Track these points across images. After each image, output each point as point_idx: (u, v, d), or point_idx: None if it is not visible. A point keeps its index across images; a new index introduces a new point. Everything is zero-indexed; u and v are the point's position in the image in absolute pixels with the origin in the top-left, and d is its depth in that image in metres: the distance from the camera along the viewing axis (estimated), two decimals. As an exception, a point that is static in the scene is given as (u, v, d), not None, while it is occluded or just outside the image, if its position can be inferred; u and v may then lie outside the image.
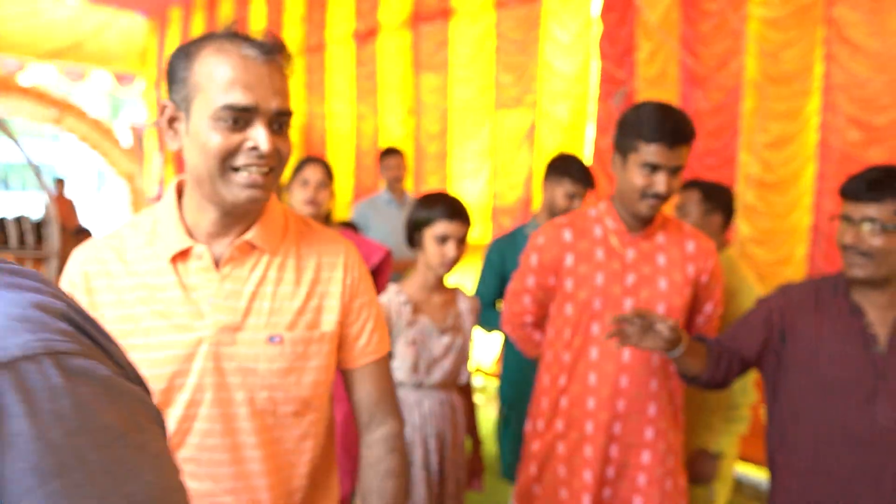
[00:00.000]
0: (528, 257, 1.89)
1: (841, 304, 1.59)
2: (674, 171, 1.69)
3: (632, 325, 1.55)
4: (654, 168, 1.67)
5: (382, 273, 2.44)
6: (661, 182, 1.67)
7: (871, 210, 1.46)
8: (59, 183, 8.59)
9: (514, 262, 2.38)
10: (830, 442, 1.54)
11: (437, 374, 1.99)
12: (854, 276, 1.52)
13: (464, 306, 2.10)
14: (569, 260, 1.81)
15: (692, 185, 2.40)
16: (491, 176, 5.26)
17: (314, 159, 2.59)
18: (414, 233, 2.00)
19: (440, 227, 1.95)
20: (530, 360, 2.09)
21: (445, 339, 1.99)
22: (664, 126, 1.65)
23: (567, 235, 1.83)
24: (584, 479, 1.78)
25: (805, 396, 1.58)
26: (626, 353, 1.75)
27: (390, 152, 4.17)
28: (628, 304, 1.74)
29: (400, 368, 1.98)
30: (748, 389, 2.27)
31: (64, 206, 8.16)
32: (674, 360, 1.64)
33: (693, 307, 1.87)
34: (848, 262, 1.53)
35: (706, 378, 1.70)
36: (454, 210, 1.97)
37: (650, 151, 1.66)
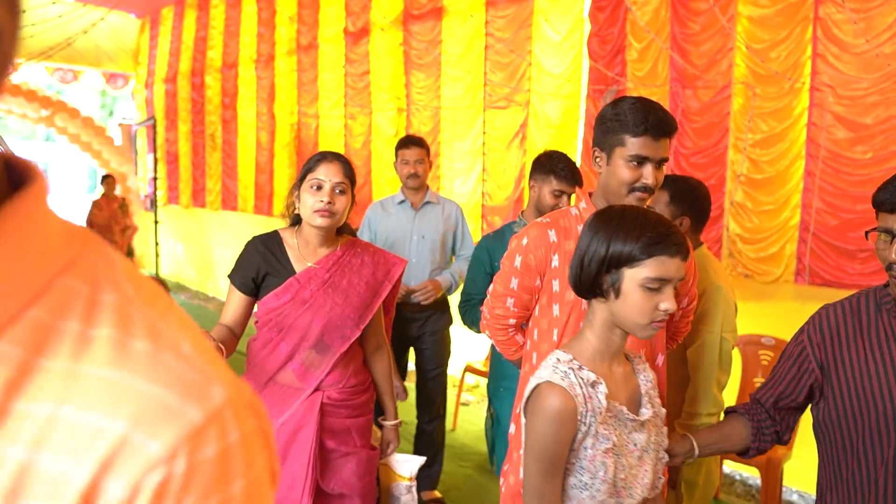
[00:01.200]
0: (511, 259, 1.85)
1: (888, 326, 1.42)
2: (660, 163, 1.70)
3: None
4: (641, 161, 1.68)
5: (396, 287, 2.20)
6: (649, 174, 1.68)
7: None
8: (108, 181, 7.89)
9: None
10: (885, 480, 1.39)
11: (638, 491, 1.37)
12: None
13: (646, 378, 1.46)
14: (555, 261, 1.78)
15: (662, 184, 2.36)
16: (482, 175, 5.27)
17: (330, 155, 2.05)
18: (599, 275, 1.33)
19: (656, 267, 1.28)
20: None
21: (641, 437, 1.38)
22: (649, 119, 1.66)
23: (552, 236, 1.80)
24: None
25: (855, 432, 1.42)
26: (661, 358, 1.74)
27: (408, 142, 3.30)
28: None
29: (588, 489, 1.32)
30: (709, 397, 2.22)
31: (110, 205, 7.74)
32: (702, 455, 1.64)
33: None
34: (895, 281, 1.36)
35: (754, 453, 1.64)
36: (674, 241, 1.29)
37: (637, 144, 1.67)
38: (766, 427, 1.61)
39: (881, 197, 1.36)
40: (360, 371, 2.15)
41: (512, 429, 1.91)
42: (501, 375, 2.63)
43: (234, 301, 2.07)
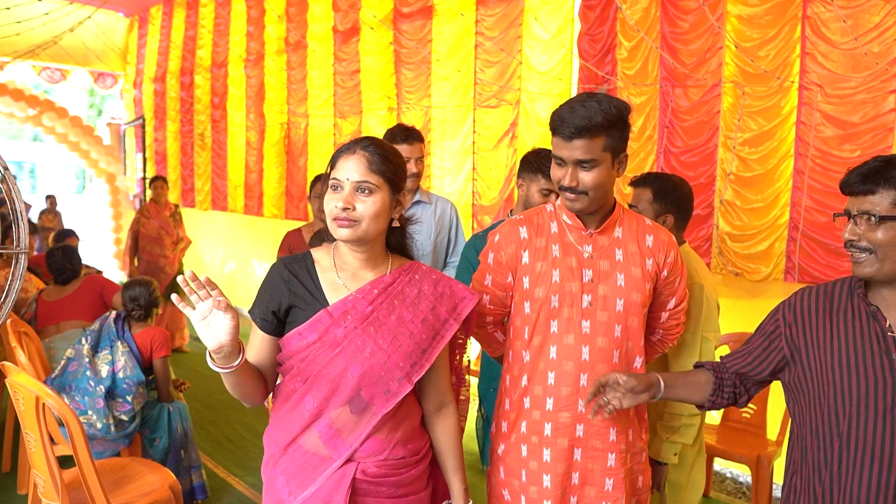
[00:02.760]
0: (485, 256, 1.85)
1: (857, 308, 1.48)
2: (579, 163, 1.63)
3: (604, 394, 1.56)
4: (559, 161, 1.67)
5: (467, 327, 1.75)
6: (565, 176, 1.65)
7: (867, 202, 1.40)
8: (157, 184, 6.63)
9: None
10: (851, 460, 1.43)
11: None
12: (860, 274, 1.44)
13: None
14: (525, 257, 1.77)
15: (645, 181, 2.36)
16: (472, 174, 5.26)
17: (358, 145, 1.77)
18: None
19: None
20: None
21: None
22: (562, 119, 1.62)
23: (523, 232, 1.79)
24: (543, 485, 1.72)
25: (823, 411, 1.48)
26: (586, 351, 1.71)
27: (407, 136, 2.93)
28: (586, 301, 1.71)
29: None
30: None
31: (161, 213, 6.60)
32: (665, 397, 1.65)
33: (657, 303, 1.85)
34: (853, 261, 1.45)
35: (709, 406, 1.70)
36: None
37: (554, 144, 1.68)
38: (726, 386, 1.69)
39: (843, 180, 1.47)
40: (413, 438, 1.63)
41: (493, 427, 1.90)
42: (492, 376, 2.62)
43: (256, 342, 1.60)
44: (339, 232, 1.52)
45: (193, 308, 1.37)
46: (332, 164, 1.58)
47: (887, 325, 1.44)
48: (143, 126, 9.54)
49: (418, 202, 3.15)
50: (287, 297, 1.55)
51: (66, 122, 9.58)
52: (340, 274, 1.60)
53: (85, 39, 9.31)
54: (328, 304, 1.55)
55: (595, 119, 1.59)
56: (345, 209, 1.50)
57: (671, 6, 3.98)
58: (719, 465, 3.82)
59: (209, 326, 1.38)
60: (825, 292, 1.56)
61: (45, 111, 9.37)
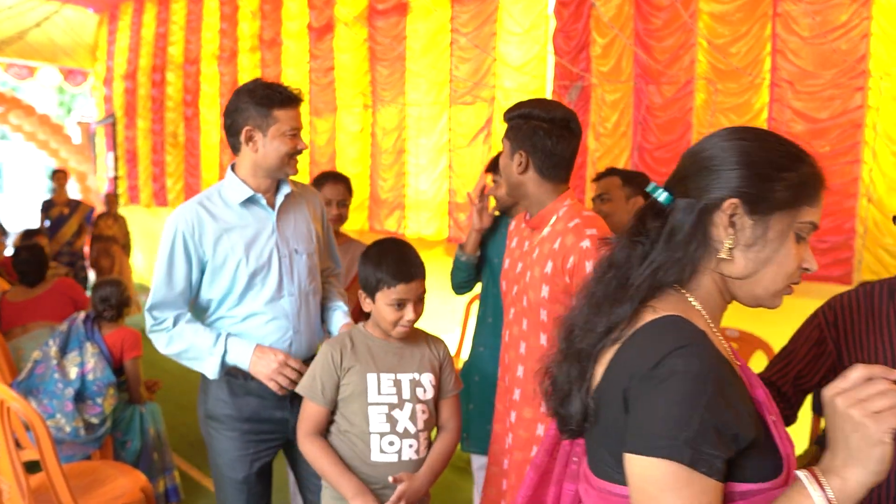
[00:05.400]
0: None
1: None
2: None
3: None
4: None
5: None
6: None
7: None
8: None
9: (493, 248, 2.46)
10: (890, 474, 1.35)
11: None
12: None
13: None
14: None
15: (611, 172, 2.45)
16: (447, 171, 5.25)
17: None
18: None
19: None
20: (492, 358, 2.13)
21: None
22: None
23: (512, 224, 1.96)
24: (503, 466, 1.84)
25: None
26: (523, 346, 1.75)
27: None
28: (514, 291, 1.80)
29: None
30: None
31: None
32: None
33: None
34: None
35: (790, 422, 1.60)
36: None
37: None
38: (782, 410, 1.57)
39: None
40: None
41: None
42: (474, 369, 2.61)
43: None
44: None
45: None
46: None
47: None
48: (113, 125, 9.38)
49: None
50: None
51: (33, 120, 9.39)
52: None
53: (53, 35, 9.12)
54: None
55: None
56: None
57: (644, 3, 4.01)
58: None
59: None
60: (865, 294, 1.51)
61: (11, 109, 9.17)
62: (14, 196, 15.61)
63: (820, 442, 2.86)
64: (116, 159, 9.52)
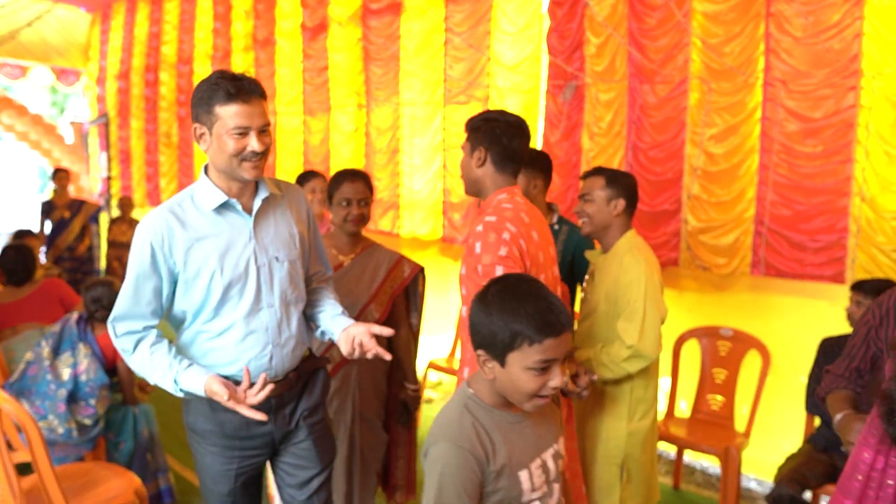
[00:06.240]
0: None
1: None
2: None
3: None
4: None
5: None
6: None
7: None
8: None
9: None
10: None
11: None
12: None
13: None
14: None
15: (596, 171, 2.45)
16: (442, 171, 5.24)
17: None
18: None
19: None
20: None
21: None
22: None
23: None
24: None
25: None
26: None
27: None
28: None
29: None
30: (649, 384, 2.33)
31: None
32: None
33: None
34: None
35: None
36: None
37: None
38: (858, 386, 1.71)
39: None
40: None
41: None
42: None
43: None
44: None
45: None
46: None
47: None
48: (106, 125, 9.33)
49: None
50: None
51: (26, 120, 9.35)
52: None
53: (45, 35, 9.09)
54: None
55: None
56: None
57: (638, 3, 4.01)
58: (689, 457, 3.86)
59: None
60: None
61: (3, 109, 9.13)
62: (6, 196, 15.51)
63: (814, 441, 2.87)
64: (110, 159, 9.47)
